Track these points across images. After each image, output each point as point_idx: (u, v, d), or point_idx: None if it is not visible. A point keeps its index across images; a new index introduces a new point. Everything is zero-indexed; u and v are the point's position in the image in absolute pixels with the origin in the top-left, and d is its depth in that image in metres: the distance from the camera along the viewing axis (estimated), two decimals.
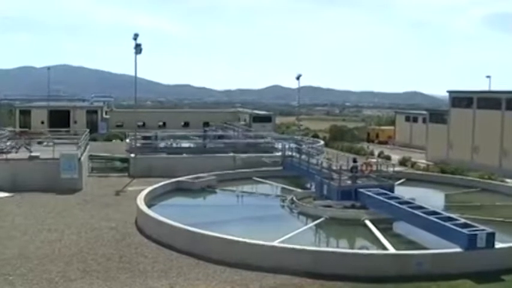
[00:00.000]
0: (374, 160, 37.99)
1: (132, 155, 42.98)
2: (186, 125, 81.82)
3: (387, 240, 22.47)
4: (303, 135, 71.26)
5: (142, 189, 30.39)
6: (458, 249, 20.12)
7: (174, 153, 46.30)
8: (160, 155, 46.10)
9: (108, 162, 44.88)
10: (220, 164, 41.64)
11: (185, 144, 52.56)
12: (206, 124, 72.56)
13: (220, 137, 55.81)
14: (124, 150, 51.20)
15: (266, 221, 27.42)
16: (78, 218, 27.55)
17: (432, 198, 32.53)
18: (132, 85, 41.83)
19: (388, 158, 52.57)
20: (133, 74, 41.88)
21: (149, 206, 27.24)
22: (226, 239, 21.04)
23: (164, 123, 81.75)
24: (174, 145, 51.33)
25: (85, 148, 41.47)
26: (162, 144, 50.97)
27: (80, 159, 36.03)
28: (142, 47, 40.52)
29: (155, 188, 31.72)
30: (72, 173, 35.19)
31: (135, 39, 40.22)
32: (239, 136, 55.01)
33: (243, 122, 77.98)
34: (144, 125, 77.94)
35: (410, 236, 24.10)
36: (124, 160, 44.40)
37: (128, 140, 57.22)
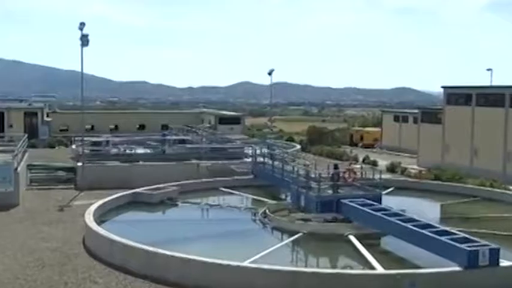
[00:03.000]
0: (358, 166, 38.06)
1: (79, 164, 42.48)
2: (142, 128, 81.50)
3: (374, 258, 22.49)
4: (276, 138, 71.29)
5: (91, 204, 30.09)
6: (457, 268, 20.15)
7: (128, 161, 45.96)
8: (112, 163, 45.70)
9: (50, 173, 44.26)
10: (182, 172, 41.40)
11: (141, 150, 52.19)
12: (165, 127, 72.34)
13: (181, 141, 55.60)
14: (69, 158, 50.72)
15: (235, 237, 27.33)
16: (14, 238, 27.04)
17: (426, 210, 32.68)
18: (80, 82, 41.36)
19: (375, 163, 52.85)
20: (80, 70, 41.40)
21: (99, 222, 26.95)
22: (189, 259, 20.84)
23: (116, 127, 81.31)
24: (128, 151, 50.96)
25: (23, 156, 40.90)
26: (114, 151, 50.52)
27: (16, 169, 35.47)
28: (91, 38, 40.12)
29: (106, 202, 31.45)
30: (7, 185, 34.62)
31: (81, 29, 39.80)
32: (203, 140, 54.84)
33: (207, 125, 77.90)
34: (92, 128, 77.44)
35: (401, 253, 24.15)
36: (70, 170, 43.91)
37: (74, 147, 56.83)
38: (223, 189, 38.07)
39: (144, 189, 35.16)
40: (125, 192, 34.27)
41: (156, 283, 20.56)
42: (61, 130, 78.74)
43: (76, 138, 54.96)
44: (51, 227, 29.20)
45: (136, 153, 50.78)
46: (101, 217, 28.80)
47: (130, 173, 41.41)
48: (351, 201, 28.18)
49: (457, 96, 52.53)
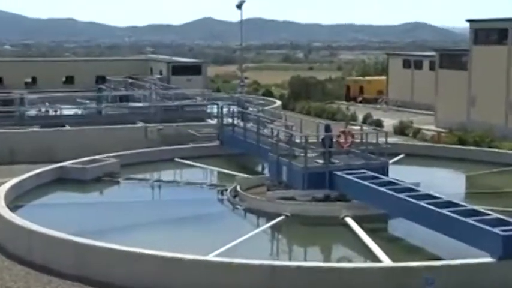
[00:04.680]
0: (357, 128, 38.14)
1: None
2: (70, 81, 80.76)
3: (379, 246, 22.59)
4: (249, 93, 71.21)
5: (1, 183, 29.92)
6: (488, 259, 20.30)
7: (51, 126, 45.76)
8: (29, 128, 45.45)
9: None
10: (125, 139, 41.54)
11: (69, 111, 51.88)
12: (101, 80, 71.73)
13: (123, 98, 55.35)
14: None
15: (196, 223, 27.36)
16: None
17: (446, 183, 32.94)
18: None
19: (379, 123, 53.03)
20: None
21: (14, 208, 26.89)
22: (137, 253, 20.83)
23: (34, 79, 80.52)
24: (52, 113, 50.64)
25: None
26: (31, 112, 50.20)
27: None
28: None
29: (23, 180, 31.33)
30: None
31: None
32: (152, 97, 54.61)
33: (157, 76, 77.44)
34: (1, 82, 76.59)
35: (414, 239, 24.40)
36: None
37: None
38: (180, 160, 38.06)
39: (74, 163, 34.96)
40: (48, 167, 34.10)
41: (91, 285, 20.56)
42: None
43: None
44: None
45: (63, 114, 50.49)
46: (16, 201, 28.73)
47: (55, 142, 41.29)
48: (347, 174, 28.20)
49: (488, 32, 52.64)
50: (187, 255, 20.50)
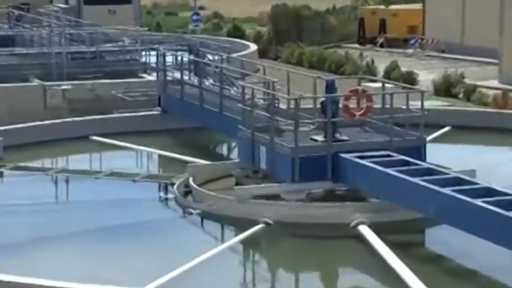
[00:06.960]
0: (376, 85, 38.34)
1: None
2: None
3: (411, 269, 22.53)
4: (207, 31, 71.35)
5: None
6: None
7: None
8: None
9: None
10: (12, 106, 41.62)
11: None
12: None
13: (7, 41, 55.34)
14: None
15: (128, 237, 27.31)
16: None
17: None
18: None
19: (410, 79, 53.21)
20: None
21: None
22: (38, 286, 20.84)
23: None
24: None
25: None
26: None
27: None
28: None
29: None
30: None
31: None
32: (54, 39, 54.49)
33: (62, 5, 77.37)
34: None
35: (466, 258, 24.48)
36: None
37: None
38: (99, 139, 38.22)
39: None
40: None
41: None
42: None
43: None
44: None
45: None
46: None
47: None
48: (361, 158, 28.23)
49: None
50: (116, 286, 20.62)
